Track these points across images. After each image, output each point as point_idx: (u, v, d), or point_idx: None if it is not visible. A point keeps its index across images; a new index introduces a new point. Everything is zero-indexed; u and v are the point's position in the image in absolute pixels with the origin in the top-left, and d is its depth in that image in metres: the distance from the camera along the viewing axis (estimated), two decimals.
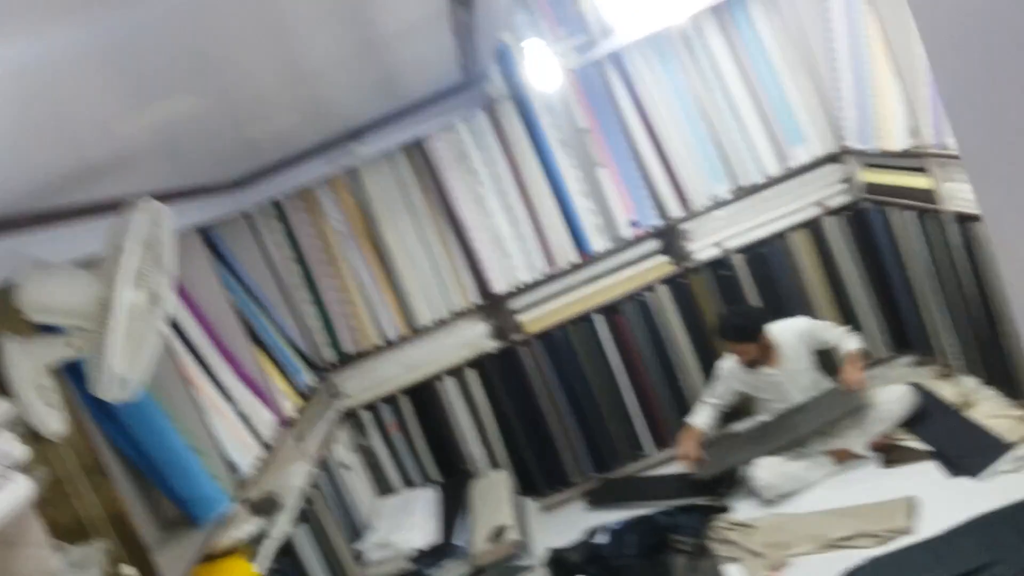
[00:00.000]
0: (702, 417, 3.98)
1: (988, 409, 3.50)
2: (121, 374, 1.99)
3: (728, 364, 3.96)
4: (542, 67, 3.56)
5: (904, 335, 4.27)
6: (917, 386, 3.87)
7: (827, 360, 4.03)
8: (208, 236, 3.74)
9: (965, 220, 3.25)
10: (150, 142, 2.14)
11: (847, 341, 3.85)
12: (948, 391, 3.74)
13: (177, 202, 3.01)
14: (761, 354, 3.82)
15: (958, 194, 3.26)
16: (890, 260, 4.07)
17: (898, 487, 3.35)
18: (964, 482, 3.24)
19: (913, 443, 3.60)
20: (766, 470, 3.66)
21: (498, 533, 3.73)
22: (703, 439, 3.94)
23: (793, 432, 3.76)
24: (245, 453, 2.88)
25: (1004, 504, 2.95)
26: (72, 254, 2.11)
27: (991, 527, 2.87)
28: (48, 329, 1.94)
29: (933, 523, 3.06)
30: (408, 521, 3.86)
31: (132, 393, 2.07)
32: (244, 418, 3.04)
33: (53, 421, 1.81)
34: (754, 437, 3.92)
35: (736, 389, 3.99)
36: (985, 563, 2.72)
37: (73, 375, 2.26)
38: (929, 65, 0.91)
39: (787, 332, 3.87)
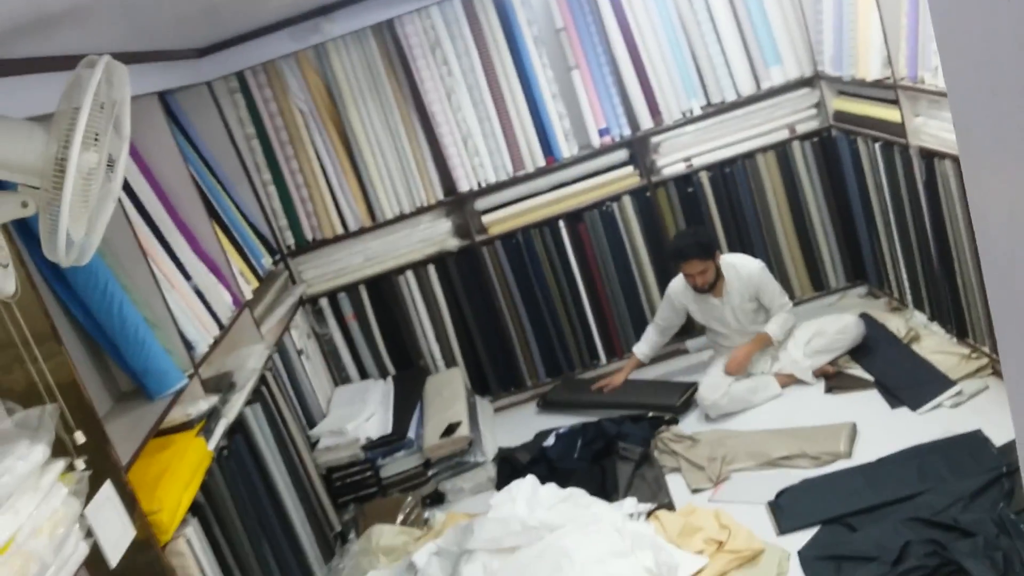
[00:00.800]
0: (644, 345, 4.13)
1: (934, 344, 3.60)
2: (74, 237, 1.93)
3: (678, 284, 3.96)
4: None
5: (860, 266, 4.35)
6: (867, 316, 3.97)
7: None
8: (168, 104, 3.59)
9: (930, 156, 3.27)
10: None
11: (773, 320, 3.85)
12: (896, 323, 3.84)
13: (137, 65, 2.88)
14: (715, 278, 3.81)
15: (926, 129, 3.27)
16: (853, 190, 4.11)
17: (839, 413, 3.46)
18: (903, 413, 3.34)
19: (857, 372, 3.70)
20: (712, 390, 3.74)
21: (450, 429, 3.78)
22: (637, 367, 4.17)
23: (625, 397, 4.04)
24: (201, 331, 2.85)
25: (939, 437, 3.07)
26: (26, 110, 2.01)
27: (924, 459, 2.98)
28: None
29: (869, 450, 3.17)
30: (362, 411, 3.87)
31: (84, 258, 2.01)
32: (201, 295, 2.99)
33: (3, 281, 1.75)
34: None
35: (684, 306, 3.99)
36: (914, 492, 2.82)
37: (25, 237, 2.19)
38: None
39: (738, 267, 3.86)
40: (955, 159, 3.10)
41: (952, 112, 0.91)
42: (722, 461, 3.35)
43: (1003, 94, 0.78)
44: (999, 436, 2.95)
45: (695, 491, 3.29)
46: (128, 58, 2.28)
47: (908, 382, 3.45)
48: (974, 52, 0.82)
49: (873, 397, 3.52)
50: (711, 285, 3.82)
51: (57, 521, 1.69)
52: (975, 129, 0.88)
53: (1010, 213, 0.84)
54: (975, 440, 2.99)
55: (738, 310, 3.89)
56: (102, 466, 1.96)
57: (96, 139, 1.94)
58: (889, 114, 3.50)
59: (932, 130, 3.22)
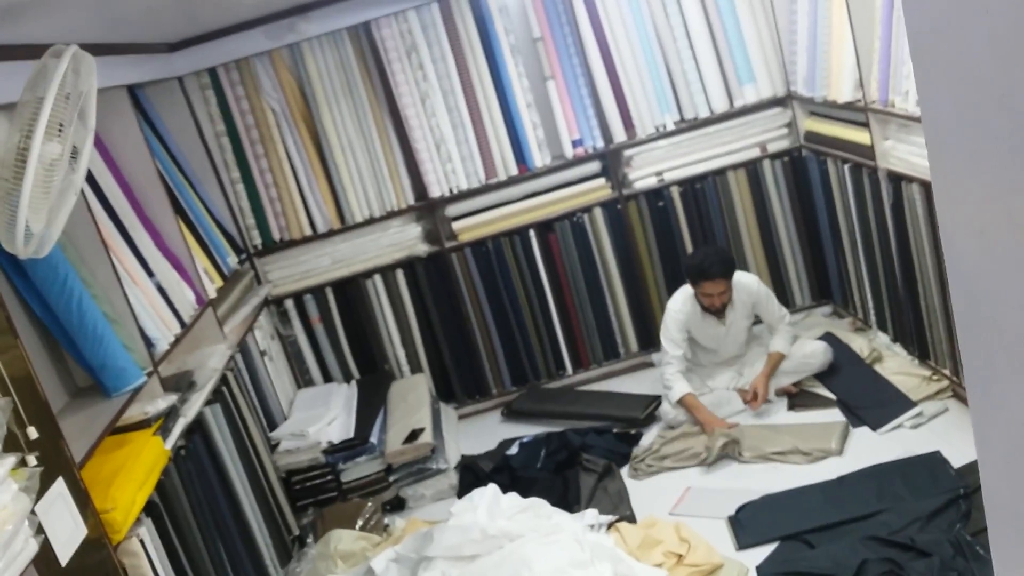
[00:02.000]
0: (685, 385, 3.69)
1: (896, 366, 3.64)
2: (33, 229, 1.89)
3: (679, 305, 3.78)
4: None
5: (826, 285, 4.39)
6: (831, 336, 4.00)
7: None
8: (137, 97, 3.54)
9: (898, 179, 3.32)
10: None
11: (778, 336, 3.77)
12: (860, 344, 3.87)
13: (106, 57, 2.83)
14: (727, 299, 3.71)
15: (894, 152, 3.33)
16: (821, 210, 4.16)
17: None
18: (864, 433, 3.38)
19: (820, 390, 3.73)
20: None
21: (413, 435, 3.75)
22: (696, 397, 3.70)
23: (588, 408, 4.07)
24: (162, 328, 2.80)
25: (898, 458, 3.11)
26: None
27: (883, 478, 3.02)
28: None
29: (829, 468, 3.20)
30: (325, 414, 3.83)
31: (43, 250, 1.97)
32: (163, 292, 2.94)
33: None
34: (567, 400, 4.25)
35: (687, 328, 3.80)
36: (873, 511, 2.85)
37: None
38: (904, 16, 0.89)
39: (740, 285, 3.76)
40: (922, 183, 3.14)
41: (925, 133, 0.91)
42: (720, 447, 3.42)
43: (976, 116, 0.78)
44: (957, 458, 2.98)
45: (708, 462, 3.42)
46: (97, 49, 2.24)
47: (870, 402, 3.49)
48: (949, 73, 0.82)
49: (835, 416, 3.54)
50: (724, 306, 3.73)
51: (6, 517, 1.64)
52: (947, 150, 0.88)
53: (980, 235, 0.84)
54: (934, 461, 3.03)
55: (738, 331, 3.84)
56: (55, 463, 1.91)
57: (60, 129, 1.91)
58: (859, 136, 3.55)
59: (901, 153, 3.27)
